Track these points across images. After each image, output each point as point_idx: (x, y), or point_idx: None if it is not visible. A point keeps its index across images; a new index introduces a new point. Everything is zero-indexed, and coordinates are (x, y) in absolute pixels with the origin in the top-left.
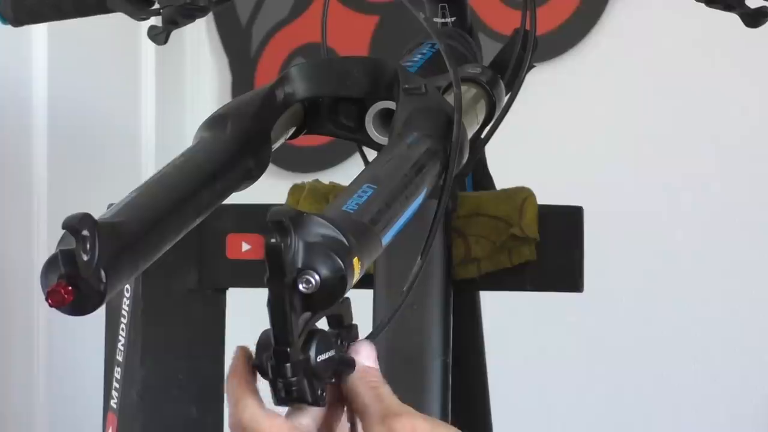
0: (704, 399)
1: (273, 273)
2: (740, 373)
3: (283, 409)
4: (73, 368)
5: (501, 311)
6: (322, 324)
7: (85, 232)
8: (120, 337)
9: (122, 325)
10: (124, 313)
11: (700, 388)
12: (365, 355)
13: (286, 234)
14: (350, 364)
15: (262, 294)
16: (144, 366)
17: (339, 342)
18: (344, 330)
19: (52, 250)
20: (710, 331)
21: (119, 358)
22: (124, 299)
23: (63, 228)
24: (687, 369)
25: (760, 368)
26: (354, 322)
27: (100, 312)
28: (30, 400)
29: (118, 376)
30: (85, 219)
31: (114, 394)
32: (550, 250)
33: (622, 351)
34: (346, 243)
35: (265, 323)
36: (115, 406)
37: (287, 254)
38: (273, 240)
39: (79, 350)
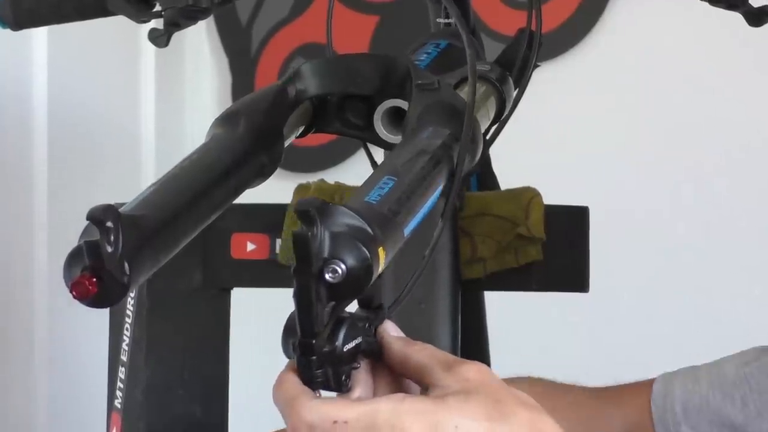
0: None
1: (300, 262)
2: None
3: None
4: (77, 368)
5: (503, 310)
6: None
7: (109, 224)
8: (124, 337)
9: (126, 325)
10: (128, 312)
11: None
12: (393, 329)
13: (312, 224)
14: (375, 351)
15: (266, 294)
16: (148, 365)
17: (366, 325)
18: (372, 312)
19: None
20: (713, 329)
21: (123, 357)
22: (129, 299)
23: (87, 219)
24: None
25: None
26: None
27: (104, 311)
28: (32, 401)
29: (123, 376)
30: (109, 210)
31: (118, 393)
32: (555, 250)
33: (625, 349)
34: (371, 233)
35: (268, 323)
36: (119, 405)
37: (314, 244)
38: (299, 229)
39: (83, 350)
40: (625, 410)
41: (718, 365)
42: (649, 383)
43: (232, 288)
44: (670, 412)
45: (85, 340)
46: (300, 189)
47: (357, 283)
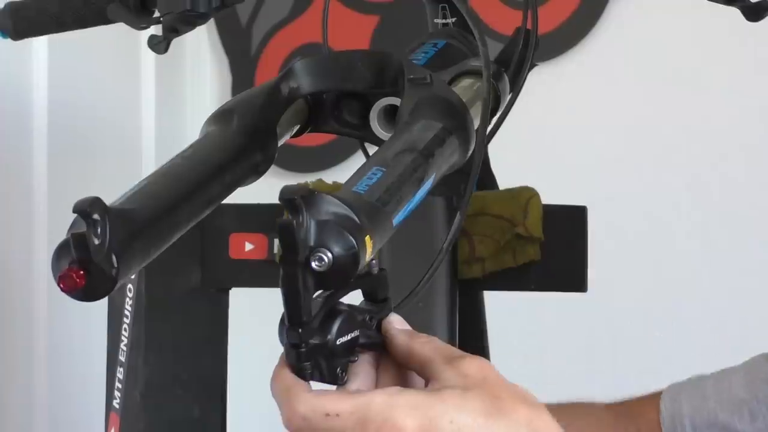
0: None
1: (285, 251)
2: None
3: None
4: (75, 368)
5: (501, 311)
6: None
7: (96, 216)
8: (123, 337)
9: (125, 325)
10: (126, 312)
11: None
12: (399, 322)
13: (297, 212)
14: (378, 344)
15: (265, 294)
16: (147, 366)
17: (369, 319)
18: (377, 305)
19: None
20: (714, 332)
21: (122, 358)
22: (127, 299)
23: (74, 212)
24: (691, 370)
25: None
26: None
27: (103, 311)
28: (31, 401)
29: (121, 376)
30: (95, 203)
31: (116, 394)
32: (554, 249)
33: (624, 352)
34: (358, 221)
35: (266, 323)
36: (117, 406)
37: (299, 232)
38: (285, 218)
39: (81, 350)
40: (639, 426)
41: (725, 379)
42: (656, 399)
43: (230, 288)
44: (680, 428)
45: (83, 341)
46: None
47: (344, 271)
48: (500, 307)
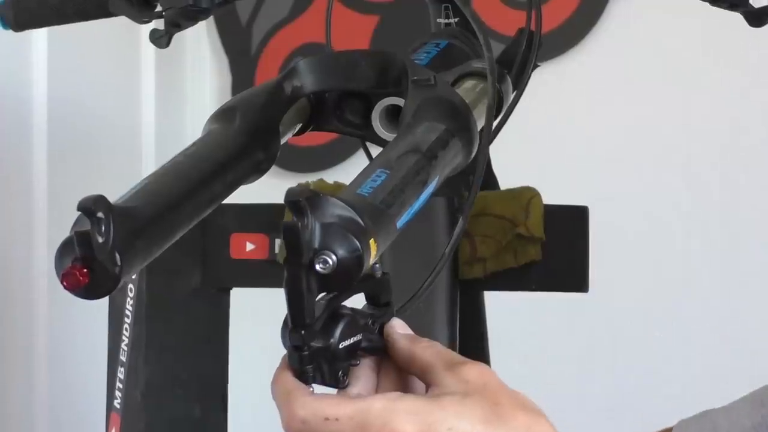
0: (708, 401)
1: (290, 253)
2: (746, 375)
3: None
4: (76, 368)
5: (502, 311)
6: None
7: (100, 214)
8: (123, 337)
9: (126, 325)
10: (127, 312)
11: (704, 390)
12: (401, 326)
13: (302, 214)
14: (379, 348)
15: (265, 294)
16: (147, 365)
17: (371, 322)
18: (380, 309)
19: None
20: (714, 332)
21: (122, 357)
22: (128, 299)
23: (78, 210)
24: (691, 371)
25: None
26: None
27: (104, 311)
28: (32, 401)
29: (122, 376)
30: (99, 201)
31: (117, 394)
32: (555, 250)
33: (624, 352)
34: (362, 224)
35: (267, 323)
36: (118, 406)
37: (304, 235)
38: (290, 220)
39: (82, 350)
40: None
41: (733, 409)
42: None
43: (231, 288)
44: None
45: (84, 341)
46: None
47: (348, 274)
48: (501, 307)
